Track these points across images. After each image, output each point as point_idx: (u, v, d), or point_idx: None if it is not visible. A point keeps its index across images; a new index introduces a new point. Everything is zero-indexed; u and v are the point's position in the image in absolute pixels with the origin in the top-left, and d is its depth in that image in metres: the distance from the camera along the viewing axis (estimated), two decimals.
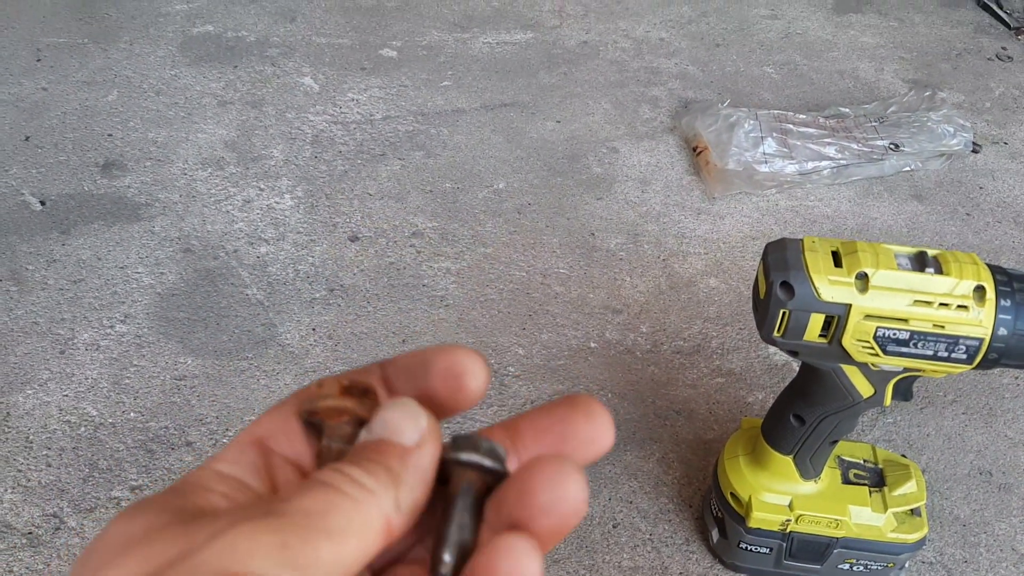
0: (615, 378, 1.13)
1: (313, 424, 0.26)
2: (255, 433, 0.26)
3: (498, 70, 1.65)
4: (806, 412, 0.79)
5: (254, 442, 0.26)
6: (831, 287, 0.68)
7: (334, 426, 0.25)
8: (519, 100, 1.58)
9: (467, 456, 0.24)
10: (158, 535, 0.21)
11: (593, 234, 1.32)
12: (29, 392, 1.07)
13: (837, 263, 0.70)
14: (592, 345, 1.17)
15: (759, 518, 0.85)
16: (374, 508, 0.22)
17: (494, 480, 0.25)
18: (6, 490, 0.97)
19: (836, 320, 0.69)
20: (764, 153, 1.39)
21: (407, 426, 0.24)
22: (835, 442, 0.81)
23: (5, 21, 1.68)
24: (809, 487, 0.85)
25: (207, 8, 1.75)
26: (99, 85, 1.55)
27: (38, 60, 1.59)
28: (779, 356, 1.16)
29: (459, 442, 0.25)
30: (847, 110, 1.53)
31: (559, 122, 1.53)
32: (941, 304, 0.67)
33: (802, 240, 0.72)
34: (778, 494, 0.85)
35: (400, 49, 1.68)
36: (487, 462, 0.24)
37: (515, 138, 1.49)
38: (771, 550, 0.88)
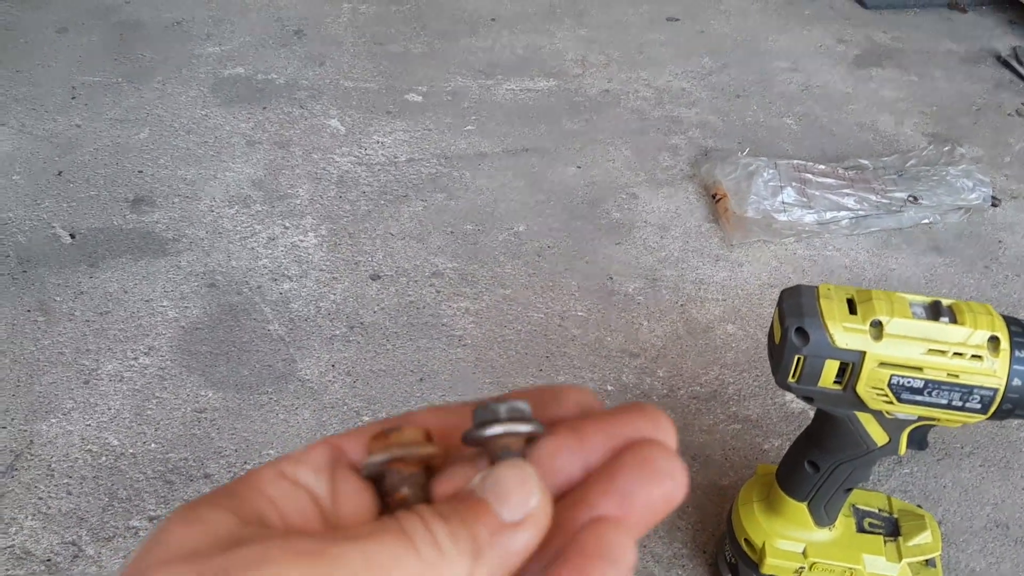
0: None
1: (379, 474, 0.24)
2: (332, 440, 0.25)
3: (521, 116, 1.67)
4: (821, 459, 0.79)
5: (328, 443, 0.24)
6: (846, 334, 0.69)
7: (409, 475, 0.23)
8: (541, 146, 1.60)
9: (495, 429, 0.23)
10: (204, 552, 0.20)
11: (611, 278, 1.34)
12: (53, 421, 1.09)
13: (852, 310, 0.70)
14: (608, 388, 1.17)
15: (773, 565, 0.85)
16: None
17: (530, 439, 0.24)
18: (27, 517, 0.99)
19: (851, 367, 0.70)
20: (783, 202, 1.40)
21: (515, 498, 0.22)
22: (849, 490, 0.81)
23: (42, 59, 1.73)
24: (823, 535, 0.85)
25: (239, 51, 1.80)
26: (131, 123, 1.58)
27: (73, 98, 1.63)
28: (796, 403, 1.16)
29: (480, 415, 0.23)
30: (866, 162, 1.54)
31: (580, 168, 1.56)
32: (955, 353, 0.68)
33: (817, 287, 0.73)
34: (792, 541, 0.85)
35: (425, 94, 1.72)
36: (519, 427, 0.23)
37: (536, 182, 1.52)
38: None
